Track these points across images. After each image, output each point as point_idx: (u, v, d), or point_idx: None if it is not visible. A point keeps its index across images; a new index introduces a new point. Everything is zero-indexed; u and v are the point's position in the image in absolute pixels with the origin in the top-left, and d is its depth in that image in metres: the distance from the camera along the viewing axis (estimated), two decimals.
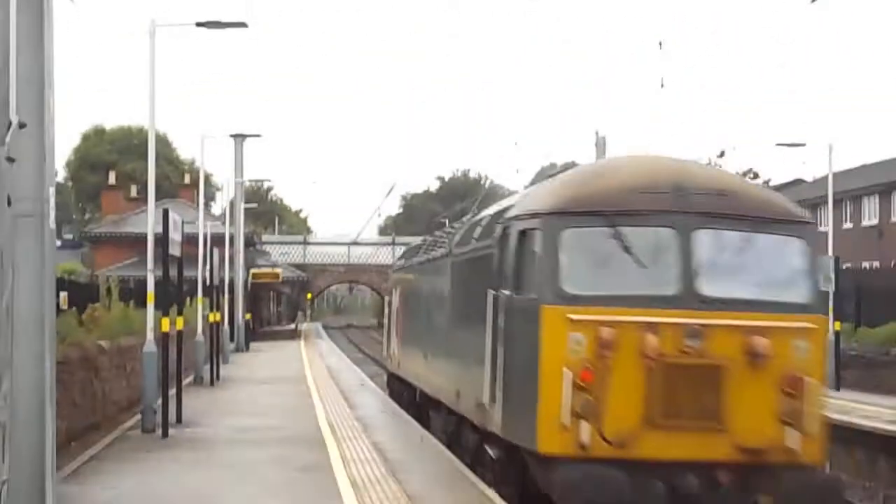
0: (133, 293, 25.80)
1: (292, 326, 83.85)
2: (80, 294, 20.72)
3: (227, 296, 42.39)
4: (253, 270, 54.77)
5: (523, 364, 10.43)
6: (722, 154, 54.55)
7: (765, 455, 9.93)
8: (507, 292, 11.12)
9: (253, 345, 48.65)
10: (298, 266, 76.79)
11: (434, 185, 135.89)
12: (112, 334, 20.86)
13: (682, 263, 10.20)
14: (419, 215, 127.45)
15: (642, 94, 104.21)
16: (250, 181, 58.28)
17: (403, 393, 22.72)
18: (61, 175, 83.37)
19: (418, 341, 19.33)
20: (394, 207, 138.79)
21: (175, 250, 17.97)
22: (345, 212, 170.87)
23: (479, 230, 13.57)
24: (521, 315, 10.66)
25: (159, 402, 17.77)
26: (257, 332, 61.20)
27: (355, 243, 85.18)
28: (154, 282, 18.71)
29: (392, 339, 24.82)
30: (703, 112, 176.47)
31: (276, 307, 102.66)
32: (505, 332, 11.02)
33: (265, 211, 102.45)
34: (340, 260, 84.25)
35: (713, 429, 9.89)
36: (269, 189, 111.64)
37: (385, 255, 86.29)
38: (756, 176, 58.91)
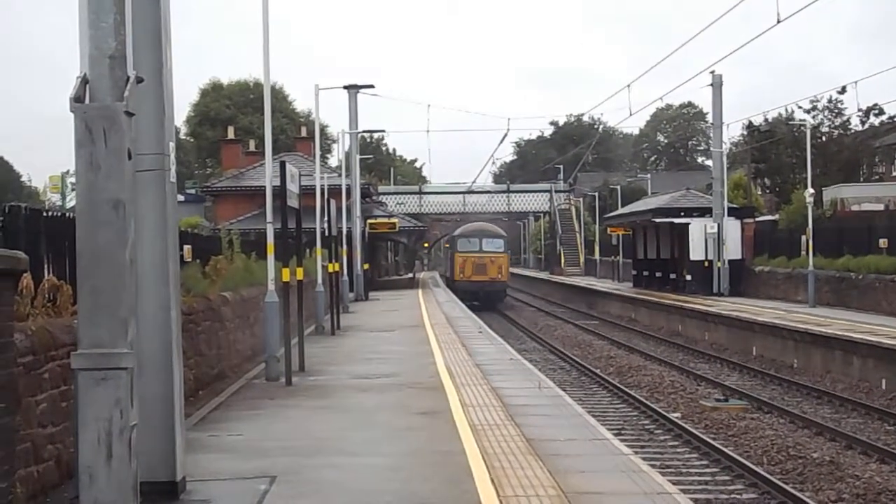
0: (254, 245, 26.25)
1: (410, 275, 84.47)
2: (203, 246, 21.10)
3: (345, 246, 42.88)
4: (370, 221, 55.22)
5: (452, 265, 63.43)
6: (843, 90, 52.83)
7: (494, 278, 57.94)
8: (451, 251, 66.09)
9: (372, 294, 49.18)
10: (414, 215, 77.10)
11: (548, 131, 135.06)
12: (234, 285, 21.27)
13: (479, 244, 58.80)
14: (533, 161, 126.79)
15: (757, 29, 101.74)
16: (364, 133, 58.58)
17: (448, 281, 65.85)
18: (182, 131, 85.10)
19: (448, 263, 71.06)
20: (508, 154, 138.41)
21: (293, 202, 18.19)
22: (459, 160, 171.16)
23: (452, 236, 66.51)
24: (451, 256, 64.19)
25: (282, 350, 18.12)
26: (376, 281, 61.84)
27: (470, 191, 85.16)
28: (273, 233, 18.98)
29: (447, 265, 77.28)
30: (821, 46, 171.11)
31: (393, 257, 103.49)
32: (450, 259, 65.37)
33: (379, 162, 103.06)
34: (456, 208, 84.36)
35: (483, 274, 57.57)
36: (382, 139, 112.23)
37: (500, 203, 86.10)
38: (881, 112, 56.96)
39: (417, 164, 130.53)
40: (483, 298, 55.92)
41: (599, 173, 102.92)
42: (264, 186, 19.44)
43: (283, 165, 17.60)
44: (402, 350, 23.52)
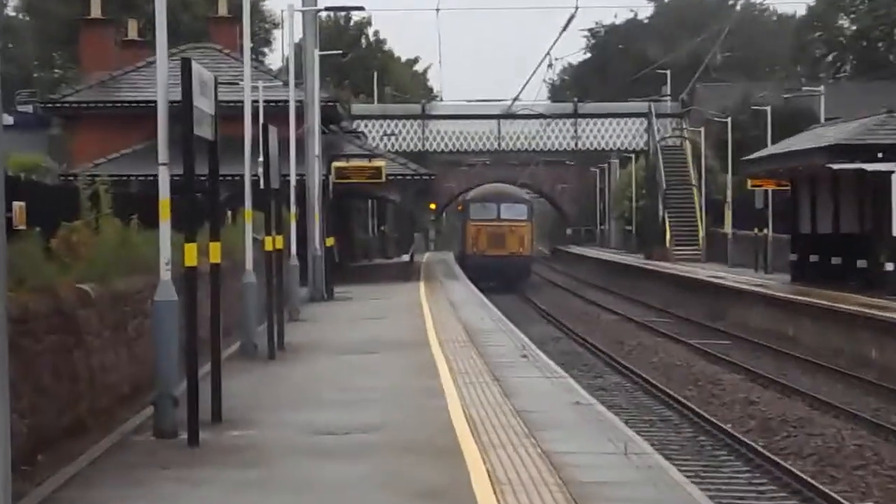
0: (137, 203, 26.27)
1: (406, 258, 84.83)
2: (48, 205, 21.15)
3: (294, 208, 42.90)
4: (337, 164, 55.13)
5: (463, 236, 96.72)
6: None
7: (516, 252, 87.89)
8: (463, 218, 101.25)
9: (339, 289, 49.28)
10: (415, 156, 77.44)
11: (644, 11, 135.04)
12: (103, 272, 21.30)
13: (496, 212, 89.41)
14: (618, 63, 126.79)
15: None
16: (330, 11, 58.62)
17: (459, 256, 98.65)
18: (13, 4, 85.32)
19: (458, 238, 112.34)
20: (575, 52, 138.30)
21: (205, 130, 18.20)
22: (490, 64, 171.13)
23: (464, 200, 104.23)
24: (464, 224, 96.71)
25: (183, 385, 18.14)
26: (346, 267, 62.06)
27: (510, 115, 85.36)
28: (170, 184, 18.94)
29: (458, 240, 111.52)
30: None
31: (377, 226, 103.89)
32: (462, 229, 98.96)
33: (358, 63, 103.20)
34: (485, 144, 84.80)
35: (502, 247, 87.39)
36: (363, 26, 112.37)
37: (561, 134, 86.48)
38: None
39: (420, 68, 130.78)
40: (500, 277, 79.09)
41: (735, 84, 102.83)
42: (154, 102, 19.43)
43: (186, 65, 17.59)
44: (390, 385, 23.67)
